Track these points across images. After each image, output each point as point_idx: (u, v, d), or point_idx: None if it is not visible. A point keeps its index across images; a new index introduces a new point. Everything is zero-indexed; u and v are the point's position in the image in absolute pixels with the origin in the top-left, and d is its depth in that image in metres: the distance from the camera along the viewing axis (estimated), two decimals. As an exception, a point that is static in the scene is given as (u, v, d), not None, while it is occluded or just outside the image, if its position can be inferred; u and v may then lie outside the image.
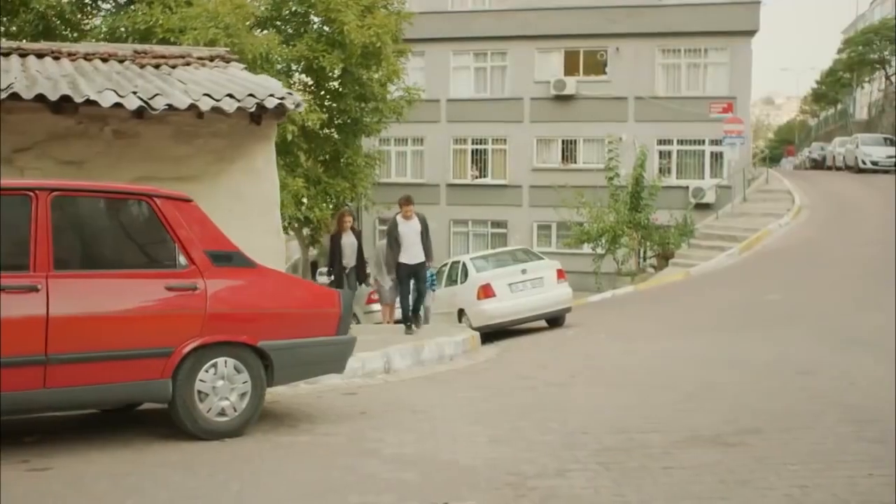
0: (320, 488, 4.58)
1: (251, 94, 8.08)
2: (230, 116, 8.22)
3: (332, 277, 12.73)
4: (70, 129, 8.01)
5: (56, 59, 10.51)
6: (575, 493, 4.56)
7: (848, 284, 14.86)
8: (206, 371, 5.51)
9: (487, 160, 31.13)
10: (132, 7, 18.68)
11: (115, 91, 7.79)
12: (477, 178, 31.39)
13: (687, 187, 28.18)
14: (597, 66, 30.01)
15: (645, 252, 25.26)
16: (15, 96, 7.31)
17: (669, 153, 29.50)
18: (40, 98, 7.37)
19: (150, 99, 7.67)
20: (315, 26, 21.85)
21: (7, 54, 10.41)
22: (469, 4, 31.19)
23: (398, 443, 5.60)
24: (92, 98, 7.42)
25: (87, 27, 19.90)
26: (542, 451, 5.38)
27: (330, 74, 21.52)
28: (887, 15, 45.83)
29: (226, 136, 8.49)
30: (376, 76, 22.19)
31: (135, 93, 7.79)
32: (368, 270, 13.98)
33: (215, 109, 7.80)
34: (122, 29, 17.96)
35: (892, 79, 38.13)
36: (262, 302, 5.79)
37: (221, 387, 5.57)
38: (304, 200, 21.17)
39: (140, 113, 7.93)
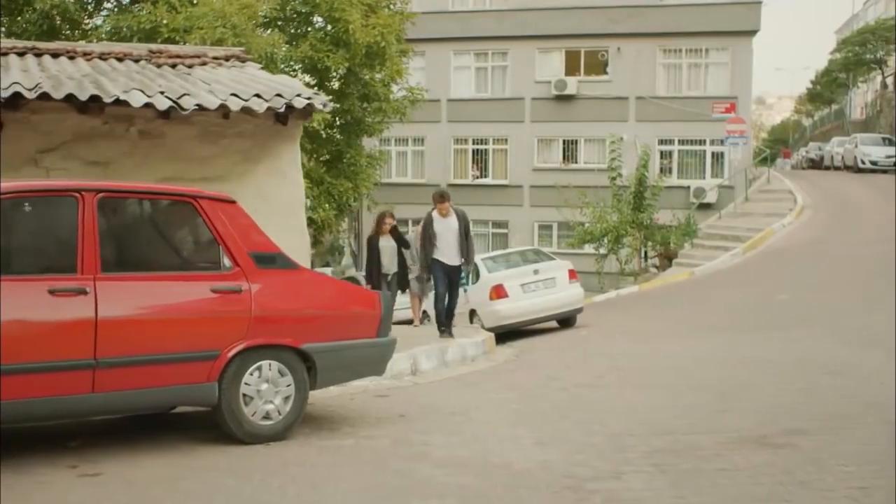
0: (379, 493, 4.53)
1: (278, 95, 8.01)
2: (257, 117, 8.16)
3: (370, 285, 11.53)
4: (96, 130, 7.93)
5: (71, 58, 10.44)
6: (635, 496, 4.52)
7: (856, 284, 14.88)
8: (251, 374, 5.44)
9: (488, 160, 31.11)
10: (136, 7, 18.57)
11: (142, 91, 7.72)
12: (478, 178, 31.36)
13: (688, 187, 28.24)
14: (598, 65, 30.03)
15: (646, 252, 25.28)
16: (44, 96, 7.22)
17: (670, 153, 29.54)
18: (68, 98, 7.28)
19: (178, 99, 7.60)
20: (318, 26, 21.79)
21: (22, 54, 10.35)
22: (470, 4, 31.15)
23: (445, 445, 5.55)
24: (121, 98, 7.34)
25: (88, 27, 19.78)
26: (592, 454, 5.34)
27: (333, 75, 21.45)
28: (881, 15, 46.09)
29: (251, 137, 8.43)
30: (379, 76, 22.13)
31: (162, 93, 7.72)
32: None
33: (244, 110, 7.74)
34: (126, 29, 17.83)
35: (888, 80, 38.28)
36: (305, 304, 5.72)
37: (266, 390, 5.50)
38: (307, 201, 21.06)
39: (166, 113, 7.86)
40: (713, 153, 29.04)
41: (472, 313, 14.56)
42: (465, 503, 4.35)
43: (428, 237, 10.83)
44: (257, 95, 7.92)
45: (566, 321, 14.67)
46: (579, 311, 14.79)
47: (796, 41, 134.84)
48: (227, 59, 11.22)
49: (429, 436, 5.84)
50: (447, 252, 10.76)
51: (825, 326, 11.40)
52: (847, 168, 31.70)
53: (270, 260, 5.60)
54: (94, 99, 7.36)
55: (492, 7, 30.78)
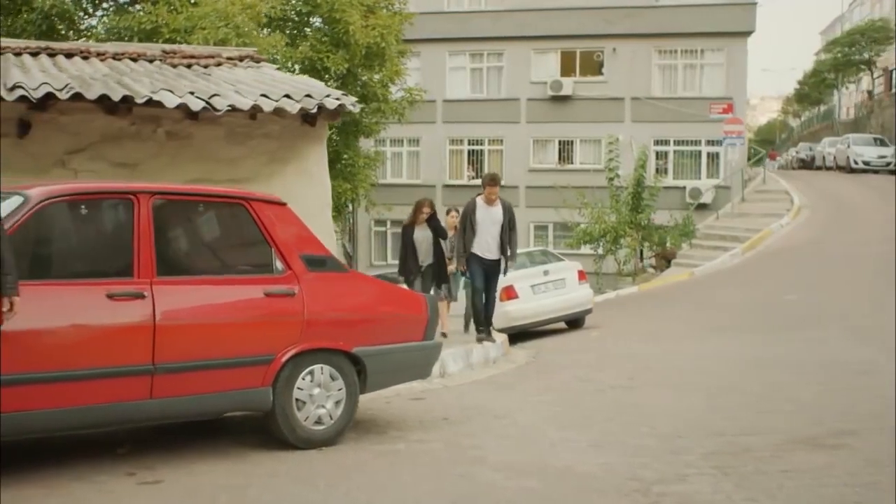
0: (449, 498, 4.47)
1: (308, 95, 7.95)
2: (284, 117, 8.09)
3: (403, 277, 10.69)
4: (123, 131, 7.82)
5: (85, 58, 10.33)
6: (706, 499, 4.49)
7: (861, 285, 14.96)
8: (303, 378, 5.37)
9: (484, 161, 31.05)
10: (136, 7, 18.41)
11: (171, 91, 7.62)
12: (473, 178, 31.26)
13: (684, 188, 28.29)
14: (593, 66, 30.05)
15: (641, 251, 25.32)
16: (76, 96, 7.12)
17: (666, 153, 29.59)
18: (101, 98, 7.18)
19: (209, 99, 7.51)
20: (316, 26, 21.70)
21: (35, 54, 10.23)
22: (465, 5, 31.10)
23: (499, 449, 5.49)
24: (154, 98, 7.24)
25: (82, 27, 19.59)
26: (649, 456, 5.30)
27: (331, 75, 21.35)
28: (866, 16, 46.44)
29: (278, 138, 8.35)
30: (377, 77, 22.07)
31: (192, 93, 7.63)
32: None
33: (277, 110, 7.66)
34: (125, 29, 17.64)
35: (876, 81, 38.53)
36: (355, 307, 5.66)
37: (318, 394, 5.43)
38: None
39: (195, 114, 7.78)
40: (709, 153, 29.13)
41: (482, 314, 14.49)
42: (539, 508, 4.30)
43: (470, 224, 9.84)
44: (287, 96, 7.85)
45: (574, 322, 14.64)
46: (588, 311, 14.76)
47: (780, 42, 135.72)
48: (241, 59, 11.13)
49: (478, 439, 5.78)
50: (486, 245, 9.85)
51: (840, 327, 11.43)
52: (839, 168, 31.89)
53: (321, 262, 5.54)
54: (126, 99, 7.26)
55: (487, 8, 30.74)
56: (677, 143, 29.39)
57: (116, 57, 10.43)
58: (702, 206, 27.06)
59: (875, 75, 39.27)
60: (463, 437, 5.88)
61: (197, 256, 5.34)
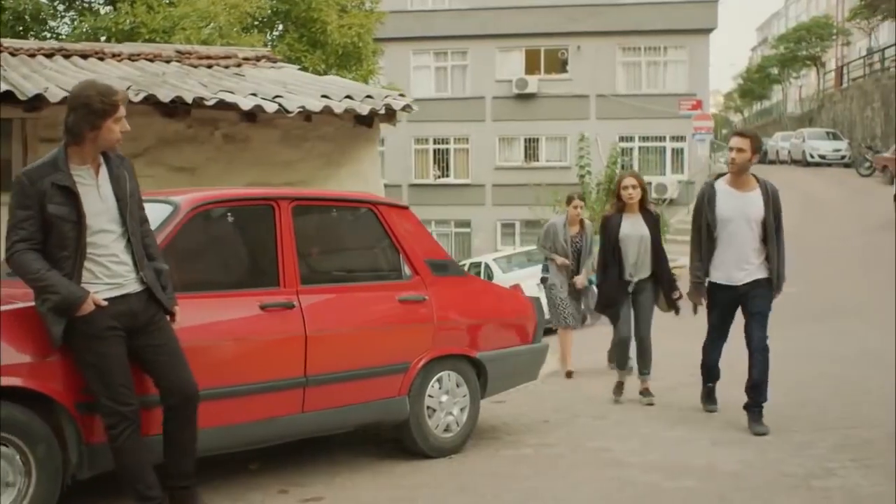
0: (626, 502, 4.42)
1: (369, 96, 7.81)
2: (343, 119, 7.93)
3: (605, 302, 7.02)
4: (180, 134, 7.57)
5: (101, 59, 10.01)
6: (871, 491, 4.53)
7: (852, 277, 15.35)
8: (433, 386, 5.26)
9: (449, 160, 31.04)
10: (108, 8, 17.91)
11: (231, 93, 7.40)
12: (439, 177, 31.25)
13: (650, 183, 28.61)
14: (558, 64, 30.29)
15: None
16: (147, 99, 6.86)
17: (631, 150, 29.96)
18: (174, 101, 6.93)
19: (273, 100, 7.31)
20: (288, 24, 21.42)
21: (51, 55, 9.87)
22: (429, 4, 31.04)
23: (628, 450, 5.45)
24: (228, 101, 7.02)
25: (45, 27, 18.97)
26: (780, 452, 5.33)
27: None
28: (801, 13, 47.75)
29: (332, 140, 8.19)
30: (350, 76, 21.86)
31: (254, 94, 7.41)
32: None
33: (347, 111, 7.50)
34: (100, 29, 17.09)
35: (826, 77, 39.66)
36: (477, 312, 5.57)
37: (446, 402, 5.33)
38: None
39: (252, 116, 7.57)
40: (673, 149, 29.62)
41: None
42: (723, 509, 4.28)
43: (707, 225, 5.89)
44: (349, 97, 7.69)
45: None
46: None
47: (715, 38, 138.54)
48: (257, 59, 10.90)
49: (598, 441, 5.74)
50: (734, 256, 5.85)
51: (856, 318, 11.72)
52: (794, 162, 32.72)
53: (444, 267, 5.43)
54: (195, 102, 7.01)
55: (451, 6, 30.73)
56: (642, 139, 29.80)
57: (132, 58, 10.10)
58: (670, 202, 27.48)
59: (823, 72, 40.46)
60: (580, 438, 5.83)
61: (333, 263, 5.19)
